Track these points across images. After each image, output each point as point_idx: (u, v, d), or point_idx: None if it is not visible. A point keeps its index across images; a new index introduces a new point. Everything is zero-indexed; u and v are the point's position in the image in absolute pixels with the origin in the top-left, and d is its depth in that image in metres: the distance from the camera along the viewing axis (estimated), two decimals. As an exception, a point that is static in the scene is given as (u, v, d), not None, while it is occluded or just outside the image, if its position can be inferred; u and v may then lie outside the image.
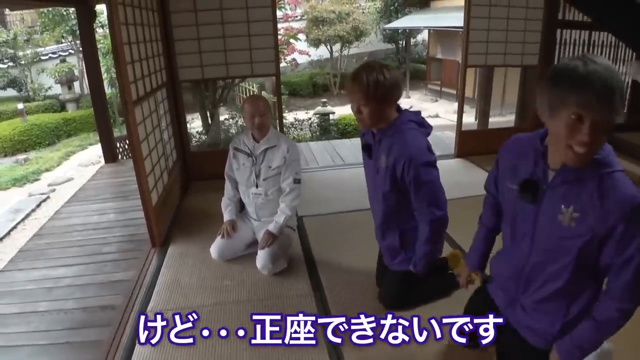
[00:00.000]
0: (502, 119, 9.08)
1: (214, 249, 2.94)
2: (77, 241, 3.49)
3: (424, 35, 16.35)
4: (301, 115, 10.80)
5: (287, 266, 2.89)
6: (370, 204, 2.43)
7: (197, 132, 8.21)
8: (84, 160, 8.45)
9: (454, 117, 8.91)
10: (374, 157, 2.20)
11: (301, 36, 13.60)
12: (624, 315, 1.36)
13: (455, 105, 12.05)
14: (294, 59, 13.56)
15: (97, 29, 8.84)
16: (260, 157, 2.85)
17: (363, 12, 15.37)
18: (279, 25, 6.24)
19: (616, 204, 1.26)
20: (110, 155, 5.45)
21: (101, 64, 5.49)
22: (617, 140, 5.04)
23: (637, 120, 5.53)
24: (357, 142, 6.43)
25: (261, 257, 2.78)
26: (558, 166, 1.36)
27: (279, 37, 6.29)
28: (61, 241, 3.50)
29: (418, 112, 2.17)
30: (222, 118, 8.93)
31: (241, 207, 3.12)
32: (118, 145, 5.60)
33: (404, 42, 15.90)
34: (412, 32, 15.28)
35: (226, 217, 3.01)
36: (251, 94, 11.46)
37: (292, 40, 12.86)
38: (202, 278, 2.83)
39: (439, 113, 11.50)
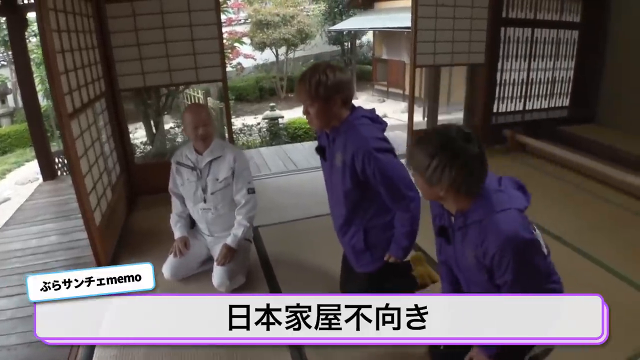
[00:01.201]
0: (449, 116, 9.25)
1: (166, 269, 2.75)
2: (16, 268, 3.21)
3: (369, 37, 16.55)
4: (249, 120, 10.64)
5: (245, 281, 2.74)
6: (330, 208, 2.34)
7: (141, 142, 7.88)
8: (21, 178, 7.94)
9: (402, 117, 9.04)
10: (328, 158, 2.16)
11: (246, 40, 13.41)
12: None
13: (403, 105, 12.24)
14: (239, 64, 13.34)
15: (30, 38, 8.30)
16: (205, 170, 2.68)
17: (307, 15, 15.36)
18: (223, 29, 6.06)
19: (491, 243, 1.45)
20: (48, 172, 5.09)
21: (35, 75, 5.11)
22: (562, 133, 5.24)
23: (579, 113, 5.76)
24: (309, 146, 6.36)
25: (217, 274, 2.63)
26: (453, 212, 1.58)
27: (223, 41, 6.12)
28: (-1, 269, 3.20)
29: (372, 110, 2.15)
30: (167, 127, 8.61)
31: (192, 223, 2.93)
32: (57, 160, 5.23)
33: (349, 43, 16.03)
34: (357, 33, 15.43)
35: (177, 234, 2.83)
36: (196, 100, 11.16)
37: (237, 44, 12.66)
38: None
39: (387, 113, 11.60)
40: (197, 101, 11.21)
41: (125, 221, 3.79)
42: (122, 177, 3.99)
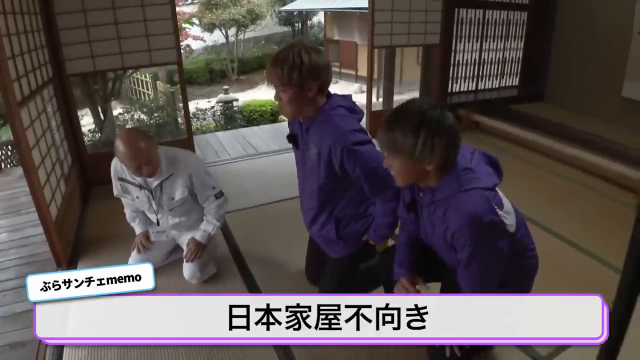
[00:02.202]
0: (403, 96, 9.37)
1: (131, 263, 2.63)
2: (-34, 269, 2.98)
3: (320, 17, 16.42)
4: (202, 104, 10.36)
5: (216, 270, 2.69)
6: (301, 197, 2.24)
7: (89, 130, 7.52)
8: (-41, 172, 7.37)
9: (357, 98, 9.07)
10: (301, 148, 2.03)
11: (195, 21, 13.00)
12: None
13: (356, 85, 12.30)
14: (188, 45, 12.91)
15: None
16: (157, 190, 2.41)
17: (257, -5, 15.01)
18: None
19: (453, 221, 1.48)
20: (-9, 165, 4.78)
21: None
22: (512, 111, 5.42)
23: (528, 92, 5.96)
24: (267, 129, 6.29)
25: (188, 267, 2.53)
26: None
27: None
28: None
29: (348, 96, 2.00)
30: (115, 113, 8.26)
31: None
32: (0, 152, 4.90)
33: (300, 24, 15.88)
34: (309, 14, 15.29)
35: (137, 229, 2.66)
36: (146, 84, 10.74)
37: (185, 26, 12.23)
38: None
39: (341, 94, 11.60)
40: (144, 86, 10.81)
41: (81, 214, 3.61)
42: (74, 168, 3.78)
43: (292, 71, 1.72)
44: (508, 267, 1.60)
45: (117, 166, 2.45)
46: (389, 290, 2.02)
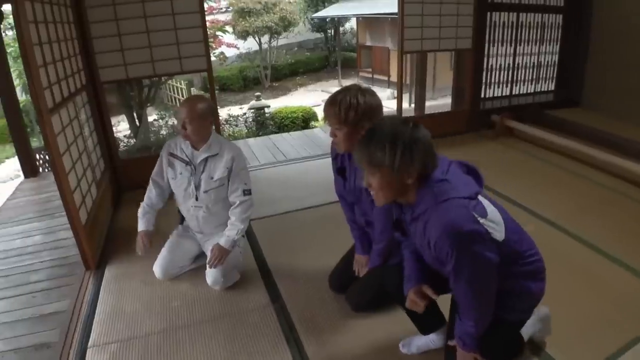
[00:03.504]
0: (435, 102, 9.25)
1: (157, 267, 2.66)
2: (0, 271, 3.08)
3: (352, 24, 16.43)
4: (235, 110, 10.48)
5: (239, 278, 2.68)
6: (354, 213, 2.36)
7: (124, 135, 7.72)
8: (2, 176, 7.71)
9: (389, 104, 8.99)
10: (348, 178, 2.19)
11: (228, 28, 13.20)
12: (477, 326, 1.58)
13: (388, 91, 12.19)
14: (222, 53, 13.10)
15: (7, 32, 8.01)
16: (200, 166, 2.53)
17: (290, 2, 15.20)
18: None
19: (432, 233, 1.47)
20: (29, 169, 4.92)
21: (13, 69, 4.91)
22: (548, 117, 5.24)
23: (564, 97, 5.76)
24: (297, 136, 6.28)
25: (211, 273, 2.54)
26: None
27: (207, 30, 5.97)
28: (-19, 272, 3.09)
29: None
30: (150, 119, 8.45)
31: (181, 219, 2.83)
32: (38, 157, 5.06)
33: (332, 30, 15.91)
34: (341, 20, 15.30)
35: (140, 226, 2.63)
36: (181, 91, 10.98)
37: (219, 33, 12.44)
38: (147, 301, 2.56)
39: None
40: (179, 92, 11.05)
41: (112, 218, 3.68)
42: (106, 173, 3.87)
43: (348, 111, 1.92)
44: (505, 275, 1.56)
45: (170, 143, 2.63)
46: (402, 305, 1.99)
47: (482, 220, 1.44)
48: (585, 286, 2.48)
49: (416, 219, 1.55)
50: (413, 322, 2.03)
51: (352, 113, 1.91)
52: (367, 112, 1.93)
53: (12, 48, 7.87)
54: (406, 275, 1.78)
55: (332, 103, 1.96)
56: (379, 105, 1.99)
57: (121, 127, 8.37)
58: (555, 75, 5.96)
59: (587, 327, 2.17)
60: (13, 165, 7.72)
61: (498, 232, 1.50)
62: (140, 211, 2.69)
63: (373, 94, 2.00)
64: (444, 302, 1.89)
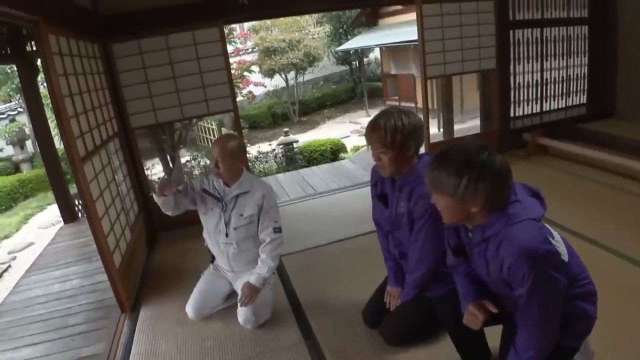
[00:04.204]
0: (464, 125, 9.13)
1: (189, 308, 2.67)
2: (39, 315, 3.16)
3: (376, 54, 16.58)
4: (264, 147, 10.64)
5: (271, 315, 2.64)
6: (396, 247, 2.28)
7: (158, 178, 7.92)
8: (44, 222, 7.98)
9: (418, 130, 8.94)
10: (390, 205, 2.15)
11: (255, 68, 13.55)
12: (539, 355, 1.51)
13: (416, 117, 12.13)
14: (250, 92, 13.42)
15: (44, 84, 8.49)
16: (231, 203, 2.55)
17: (313, 38, 15.51)
18: (231, 60, 6.09)
19: (508, 255, 1.42)
20: (68, 215, 5.11)
21: (50, 120, 5.18)
22: (582, 131, 5.08)
23: (597, 109, 5.59)
24: (326, 169, 6.30)
25: (242, 311, 2.53)
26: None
27: (232, 71, 6.15)
28: (23, 317, 3.18)
29: (431, 154, 2.11)
30: (183, 160, 8.66)
31: (212, 258, 2.84)
32: (76, 202, 5.25)
33: (357, 62, 16.08)
34: (364, 51, 15.45)
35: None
36: (212, 131, 11.25)
37: (246, 73, 12.78)
38: (181, 342, 2.56)
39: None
40: (210, 133, 11.32)
41: (146, 260, 3.74)
42: (140, 216, 3.95)
43: (395, 134, 1.91)
44: (565, 299, 1.50)
45: (204, 180, 2.66)
46: (453, 333, 1.94)
47: (552, 241, 1.44)
48: (634, 307, 2.33)
49: (486, 240, 1.51)
50: (460, 352, 1.96)
51: (398, 136, 1.91)
52: (412, 133, 1.93)
53: (49, 100, 8.31)
54: (462, 295, 1.73)
55: (376, 127, 1.95)
56: (421, 125, 2.00)
57: (156, 169, 8.62)
58: (586, 88, 5.80)
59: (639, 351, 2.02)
60: (54, 211, 7.99)
61: (563, 252, 1.49)
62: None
63: (414, 114, 2.00)
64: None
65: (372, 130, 1.96)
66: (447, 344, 1.97)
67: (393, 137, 1.91)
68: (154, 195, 2.50)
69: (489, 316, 1.64)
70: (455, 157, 1.43)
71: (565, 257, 1.48)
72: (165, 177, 7.27)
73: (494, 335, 1.85)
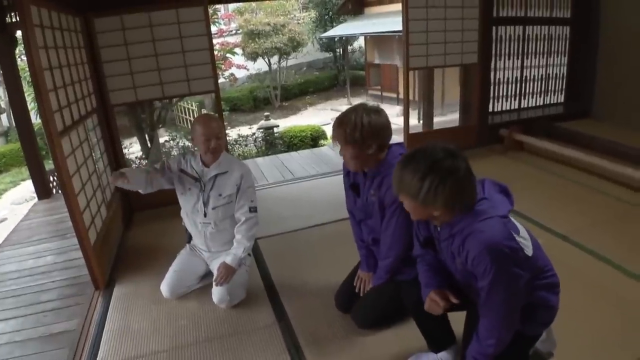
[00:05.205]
0: (444, 118, 9.25)
1: (164, 287, 2.68)
2: (12, 291, 3.12)
3: (360, 42, 16.57)
4: (244, 130, 10.59)
5: (245, 296, 2.67)
6: (360, 230, 2.37)
7: (136, 157, 7.84)
8: (18, 198, 7.86)
9: (397, 121, 9.01)
10: (362, 194, 2.20)
11: (238, 50, 13.42)
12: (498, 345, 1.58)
13: (397, 108, 12.21)
14: (232, 74, 13.31)
15: (22, 57, 8.26)
16: (210, 183, 2.58)
17: (298, 23, 15.42)
18: (214, 41, 6.02)
19: (472, 248, 1.48)
20: (43, 191, 5.01)
21: (27, 93, 5.05)
22: (558, 129, 5.21)
23: (574, 109, 5.73)
24: (306, 154, 6.30)
25: (217, 291, 2.56)
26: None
27: (215, 52, 6.08)
28: (-6, 293, 3.14)
29: (402, 144, 2.19)
30: (161, 140, 8.57)
31: (188, 237, 2.86)
32: (52, 179, 5.16)
33: (341, 50, 16.06)
34: (349, 39, 15.44)
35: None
36: (192, 112, 11.14)
37: (229, 55, 12.65)
38: (155, 320, 2.57)
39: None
40: (190, 114, 11.21)
41: (122, 239, 3.72)
42: (116, 194, 3.92)
43: (354, 131, 1.95)
44: (529, 290, 1.58)
45: (181, 160, 2.67)
46: (417, 318, 1.99)
47: (516, 237, 1.50)
48: (599, 301, 2.43)
49: (452, 236, 1.56)
50: (424, 336, 2.03)
51: (357, 134, 1.94)
52: (375, 132, 1.96)
53: (26, 73, 8.09)
54: (424, 283, 1.79)
55: (339, 124, 1.99)
56: (384, 125, 2.00)
57: (134, 148, 8.51)
58: (564, 87, 5.93)
59: (601, 343, 2.11)
60: (29, 187, 7.85)
61: (528, 248, 1.55)
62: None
63: (379, 113, 2.01)
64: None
65: (336, 126, 2.01)
66: (417, 328, 2.03)
67: (352, 134, 1.95)
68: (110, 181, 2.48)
69: (450, 304, 1.71)
70: (422, 161, 1.47)
71: (529, 251, 1.55)
72: (143, 156, 7.19)
73: (458, 321, 1.92)
